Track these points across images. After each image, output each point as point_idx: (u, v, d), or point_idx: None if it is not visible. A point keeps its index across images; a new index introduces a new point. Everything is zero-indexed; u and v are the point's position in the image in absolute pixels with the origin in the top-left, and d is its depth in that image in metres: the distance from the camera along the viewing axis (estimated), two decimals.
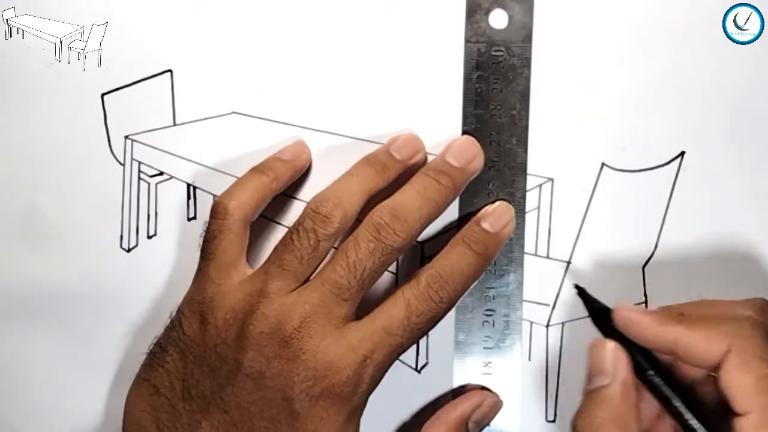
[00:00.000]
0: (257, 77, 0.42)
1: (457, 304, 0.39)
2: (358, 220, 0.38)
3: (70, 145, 0.43)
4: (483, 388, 0.42)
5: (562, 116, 0.41)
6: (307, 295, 0.36)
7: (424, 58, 0.41)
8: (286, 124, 0.42)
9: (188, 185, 0.43)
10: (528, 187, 0.41)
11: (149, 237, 0.44)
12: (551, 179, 0.41)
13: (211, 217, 0.39)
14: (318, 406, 0.35)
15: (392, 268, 0.41)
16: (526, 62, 0.41)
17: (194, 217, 0.43)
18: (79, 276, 0.44)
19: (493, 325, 0.42)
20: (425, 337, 0.42)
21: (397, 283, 0.42)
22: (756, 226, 0.41)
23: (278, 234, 0.42)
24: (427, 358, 0.42)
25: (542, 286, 0.42)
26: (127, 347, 0.44)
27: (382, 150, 0.40)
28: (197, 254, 0.39)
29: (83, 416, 0.44)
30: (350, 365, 0.35)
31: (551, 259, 0.42)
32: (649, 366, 0.35)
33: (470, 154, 0.40)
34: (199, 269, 0.39)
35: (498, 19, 0.41)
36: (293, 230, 0.37)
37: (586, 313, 0.41)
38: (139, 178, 0.44)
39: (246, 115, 0.43)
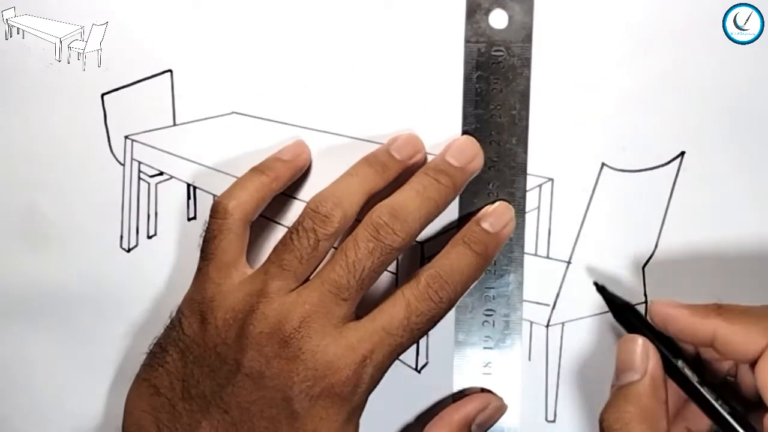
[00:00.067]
0: (257, 77, 0.42)
1: (457, 304, 0.39)
2: (358, 219, 0.38)
3: (70, 145, 0.43)
4: (483, 390, 0.42)
5: (562, 116, 0.41)
6: (307, 295, 0.36)
7: (424, 58, 0.41)
8: (286, 124, 0.42)
9: (188, 185, 0.43)
10: (528, 187, 0.41)
11: (149, 237, 0.44)
12: (551, 179, 0.41)
13: (211, 217, 0.39)
14: (317, 406, 0.35)
15: (392, 268, 0.41)
16: (526, 62, 0.41)
17: (194, 217, 0.43)
18: (79, 276, 0.44)
19: (493, 325, 0.42)
20: (425, 337, 0.42)
21: (396, 283, 0.42)
22: (756, 226, 0.41)
23: (278, 234, 0.42)
24: (427, 358, 0.42)
25: (542, 286, 0.42)
26: (127, 347, 0.44)
27: (382, 150, 0.40)
28: (197, 254, 0.39)
29: (83, 416, 0.44)
30: (350, 365, 0.35)
31: (551, 259, 0.42)
32: (679, 358, 0.36)
33: (470, 154, 0.40)
34: (199, 269, 0.39)
35: (498, 19, 0.41)
36: (293, 230, 0.37)
37: (586, 313, 0.41)
38: (139, 178, 0.44)
39: (246, 115, 0.43)
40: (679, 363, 0.36)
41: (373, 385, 0.36)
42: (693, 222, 0.41)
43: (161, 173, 0.43)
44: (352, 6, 0.42)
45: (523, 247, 0.41)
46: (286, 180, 0.41)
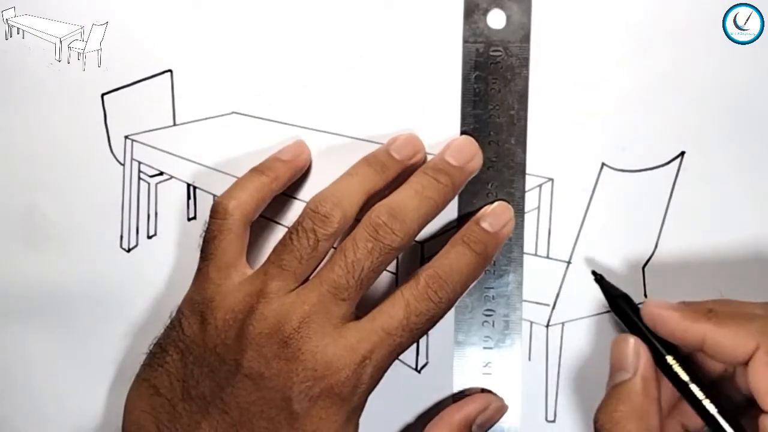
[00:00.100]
0: (257, 77, 0.42)
1: (457, 304, 0.39)
2: (358, 219, 0.38)
3: (70, 145, 0.43)
4: (484, 390, 0.42)
5: (562, 116, 0.41)
6: (306, 295, 0.36)
7: (422, 59, 0.41)
8: (286, 124, 0.42)
9: (188, 185, 0.43)
10: (528, 187, 0.41)
11: (149, 237, 0.44)
12: (551, 179, 0.41)
13: (211, 217, 0.39)
14: (317, 407, 0.35)
15: (391, 267, 0.41)
16: (525, 62, 0.41)
17: (194, 217, 0.43)
18: (79, 276, 0.44)
19: (493, 325, 0.42)
20: (425, 337, 0.42)
21: (396, 283, 0.42)
22: (756, 226, 0.41)
23: (278, 234, 0.42)
24: (427, 358, 0.42)
25: (542, 286, 0.42)
26: (127, 347, 0.44)
27: (382, 150, 0.40)
28: (197, 254, 0.39)
29: (83, 416, 0.44)
30: (349, 365, 0.35)
31: (551, 259, 0.42)
32: (672, 353, 0.36)
33: (469, 154, 0.40)
34: (199, 269, 0.39)
35: (496, 19, 0.41)
36: (293, 230, 0.37)
37: (586, 313, 0.41)
38: (139, 178, 0.44)
39: (246, 115, 0.43)
40: (670, 360, 0.36)
41: (373, 385, 0.36)
42: (693, 222, 0.41)
43: (161, 173, 0.43)
44: (351, 6, 0.42)
45: (522, 247, 0.41)
46: (286, 180, 0.41)
